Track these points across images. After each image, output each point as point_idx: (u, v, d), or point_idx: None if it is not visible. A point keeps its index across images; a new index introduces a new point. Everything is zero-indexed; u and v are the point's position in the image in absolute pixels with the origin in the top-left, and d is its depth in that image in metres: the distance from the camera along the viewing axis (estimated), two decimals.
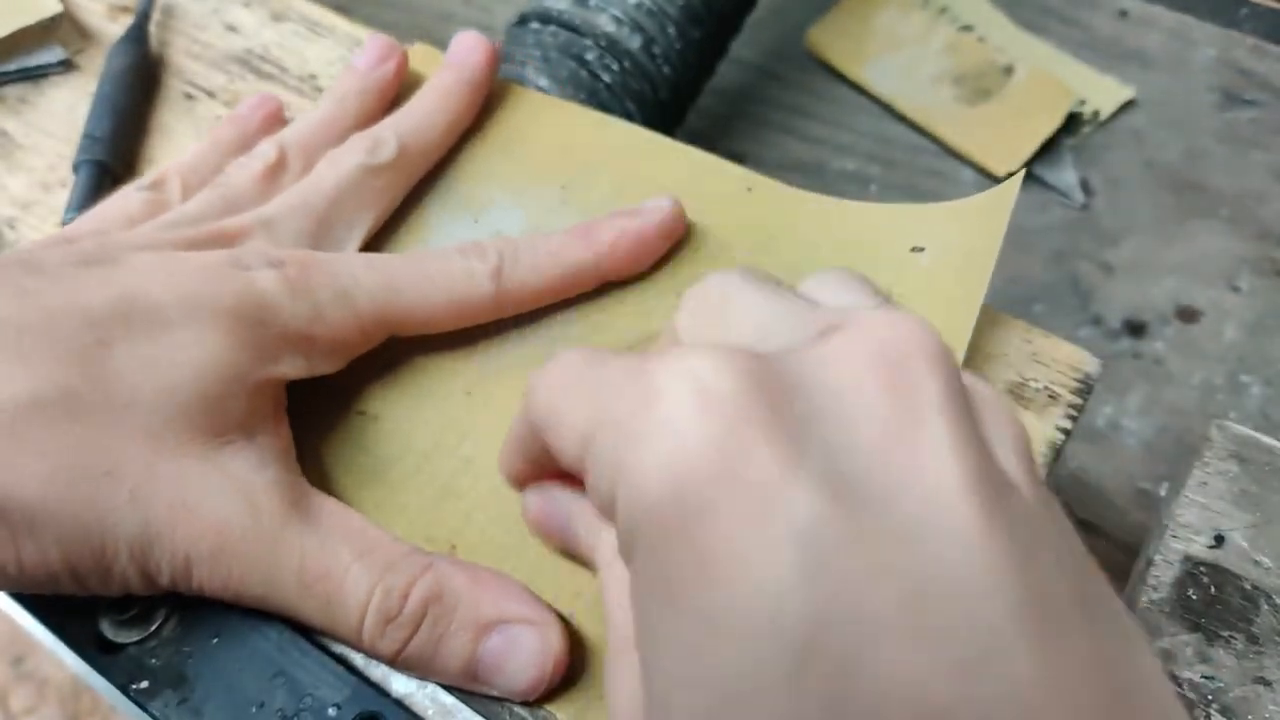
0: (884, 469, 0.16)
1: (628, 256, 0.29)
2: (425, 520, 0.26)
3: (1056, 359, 0.29)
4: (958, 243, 0.29)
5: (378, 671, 0.24)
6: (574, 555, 0.25)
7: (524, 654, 0.23)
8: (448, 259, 0.28)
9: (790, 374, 0.17)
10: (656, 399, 0.16)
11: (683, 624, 0.16)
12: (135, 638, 0.24)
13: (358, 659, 0.24)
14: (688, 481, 0.16)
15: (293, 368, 0.26)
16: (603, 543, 0.22)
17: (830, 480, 0.15)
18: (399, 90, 0.34)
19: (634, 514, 0.17)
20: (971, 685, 0.14)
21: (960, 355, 0.27)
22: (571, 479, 0.23)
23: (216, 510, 0.23)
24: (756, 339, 0.19)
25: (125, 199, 0.29)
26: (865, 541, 0.15)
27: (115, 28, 0.39)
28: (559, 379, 0.20)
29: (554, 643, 0.23)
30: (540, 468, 0.23)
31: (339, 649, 0.25)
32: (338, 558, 0.23)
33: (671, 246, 0.30)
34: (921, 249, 0.29)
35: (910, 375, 0.16)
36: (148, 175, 0.31)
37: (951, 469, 0.15)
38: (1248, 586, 0.26)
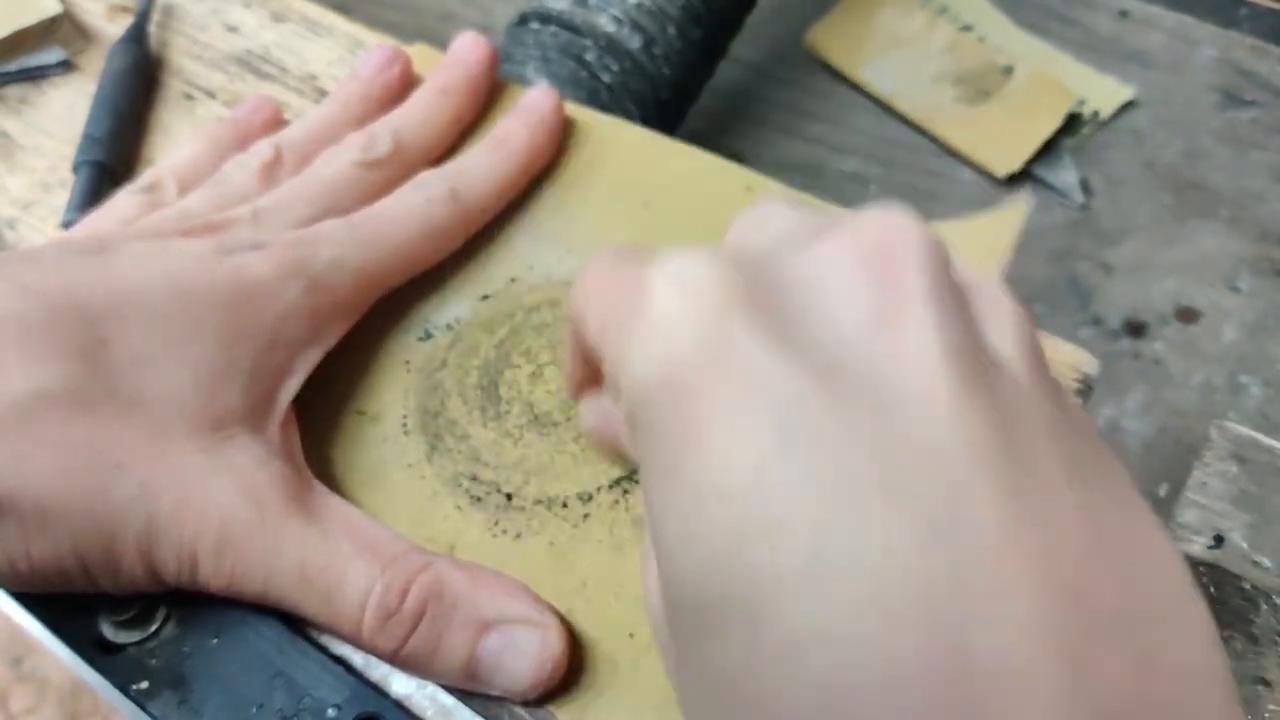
0: (865, 350, 0.16)
1: (545, 146, 0.33)
2: (425, 521, 0.26)
3: (1056, 359, 0.29)
4: (964, 258, 0.29)
5: (377, 672, 0.24)
6: (630, 461, 0.26)
7: (523, 653, 0.23)
8: (404, 197, 0.30)
9: (779, 271, 0.18)
10: (649, 296, 0.18)
11: (677, 494, 0.17)
12: (135, 638, 0.24)
13: (357, 660, 0.24)
14: (677, 369, 0.17)
15: (296, 344, 0.26)
16: None
17: (811, 360, 0.16)
18: (403, 96, 0.34)
19: (634, 403, 0.18)
20: (941, 539, 0.14)
21: None
22: None
23: (220, 504, 0.23)
24: (767, 246, 0.19)
25: (120, 202, 0.30)
26: (843, 412, 0.16)
27: (115, 28, 0.39)
28: (589, 279, 0.21)
29: (554, 642, 0.23)
30: (591, 369, 0.24)
31: (339, 650, 0.25)
32: (339, 553, 0.23)
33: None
34: None
35: (895, 266, 0.17)
36: (142, 177, 0.31)
37: (931, 346, 0.16)
38: (1247, 587, 0.26)
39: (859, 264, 0.17)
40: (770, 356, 0.16)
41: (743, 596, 0.15)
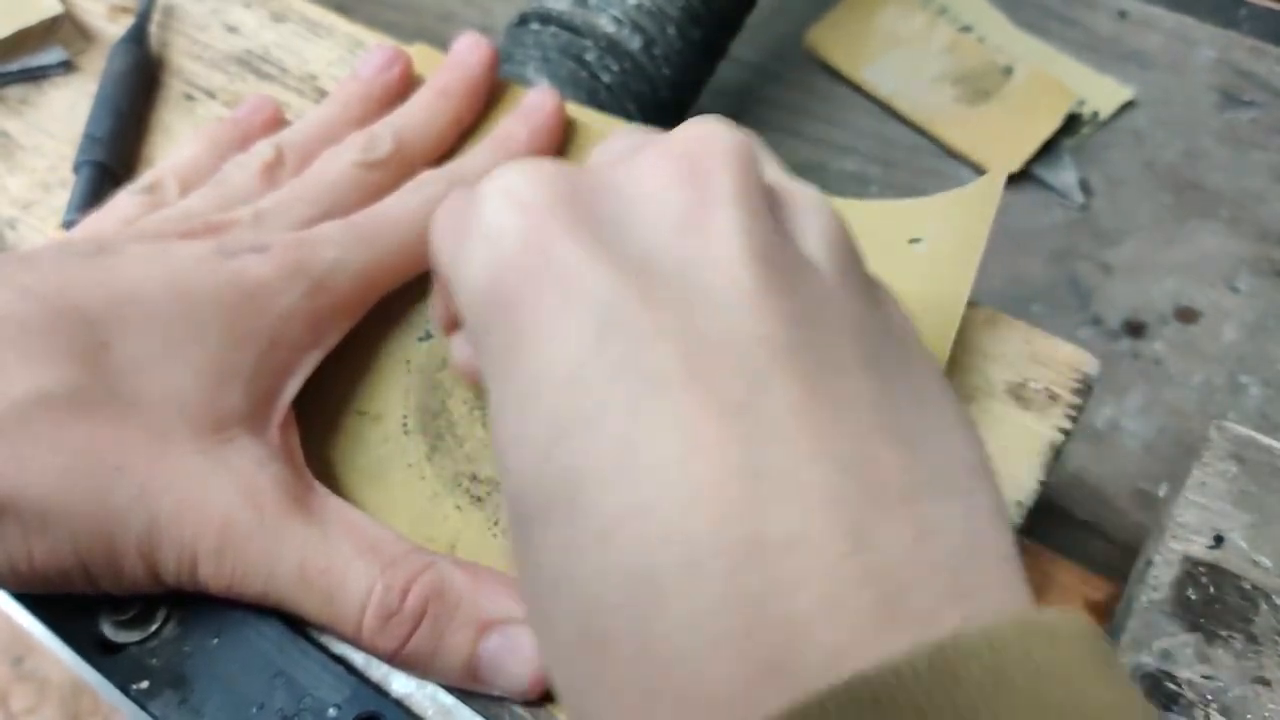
0: (676, 252, 0.17)
1: (546, 148, 0.33)
2: (426, 521, 0.26)
3: (1056, 359, 0.29)
4: (950, 232, 0.29)
5: (378, 672, 0.24)
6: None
7: (525, 653, 0.23)
8: (405, 197, 0.30)
9: (600, 183, 0.19)
10: (477, 209, 0.19)
11: (506, 396, 0.18)
12: (135, 638, 0.24)
13: (358, 659, 0.24)
14: (504, 276, 0.18)
15: (297, 346, 0.26)
16: None
17: (627, 263, 0.17)
18: (404, 96, 0.34)
19: (469, 313, 0.19)
20: (737, 422, 0.15)
21: (951, 337, 0.27)
22: None
23: (220, 506, 0.23)
24: (598, 162, 0.21)
25: (121, 203, 0.30)
26: (654, 309, 0.17)
27: (115, 28, 0.39)
28: (440, 208, 0.22)
29: None
30: (453, 303, 0.25)
31: (339, 649, 0.25)
32: (340, 553, 0.23)
33: None
34: (918, 240, 0.30)
35: (704, 173, 0.18)
36: (142, 177, 0.31)
37: (735, 245, 0.17)
38: (1247, 586, 0.26)
39: (670, 171, 0.18)
40: (589, 260, 0.17)
41: (563, 485, 0.16)
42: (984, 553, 0.16)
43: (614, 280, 0.17)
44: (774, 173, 0.20)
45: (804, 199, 0.19)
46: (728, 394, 0.16)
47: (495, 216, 0.18)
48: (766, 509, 0.15)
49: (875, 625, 0.14)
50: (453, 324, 0.26)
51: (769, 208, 0.18)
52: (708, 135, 0.19)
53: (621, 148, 0.21)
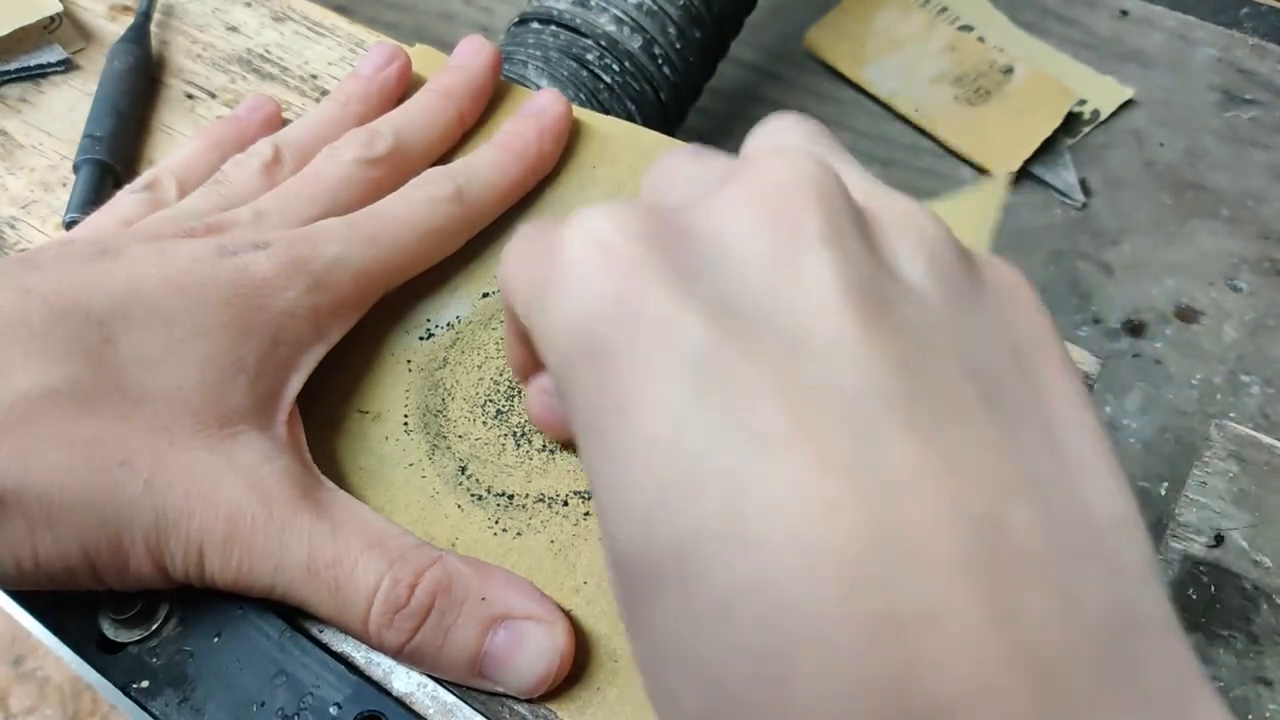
0: (769, 297, 0.16)
1: (552, 151, 0.33)
2: (426, 520, 0.26)
3: None
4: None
5: (379, 670, 0.24)
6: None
7: (531, 650, 0.23)
8: (406, 195, 0.30)
9: (685, 223, 0.18)
10: (561, 257, 0.18)
11: (604, 458, 0.17)
12: (136, 637, 0.24)
13: (359, 658, 0.24)
14: (592, 328, 0.17)
15: (300, 342, 0.26)
16: None
17: (718, 312, 0.16)
18: (402, 94, 0.34)
19: (556, 366, 0.18)
20: (853, 484, 0.14)
21: None
22: None
23: (227, 500, 0.23)
24: (682, 199, 0.19)
25: (121, 202, 0.30)
26: (752, 360, 0.15)
27: (115, 28, 0.39)
28: (513, 249, 0.21)
29: (561, 640, 0.23)
30: (530, 349, 0.24)
31: (341, 648, 0.25)
32: (347, 547, 0.23)
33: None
34: None
35: (792, 211, 0.17)
36: (142, 177, 0.31)
37: (829, 288, 0.16)
38: (1248, 586, 0.26)
39: (756, 210, 0.17)
40: (680, 309, 0.16)
41: (672, 556, 0.15)
42: (1138, 622, 0.14)
43: (709, 331, 0.16)
44: (862, 187, 0.18)
45: (898, 215, 0.18)
46: (840, 452, 0.14)
47: (581, 265, 0.17)
48: (897, 579, 0.14)
49: (1031, 712, 0.13)
50: (528, 369, 0.25)
51: (862, 237, 0.17)
52: (791, 171, 0.17)
53: (685, 178, 0.20)
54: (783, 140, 0.20)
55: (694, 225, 0.18)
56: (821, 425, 0.15)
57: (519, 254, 0.21)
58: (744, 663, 0.14)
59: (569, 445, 0.28)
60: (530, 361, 0.25)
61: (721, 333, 0.16)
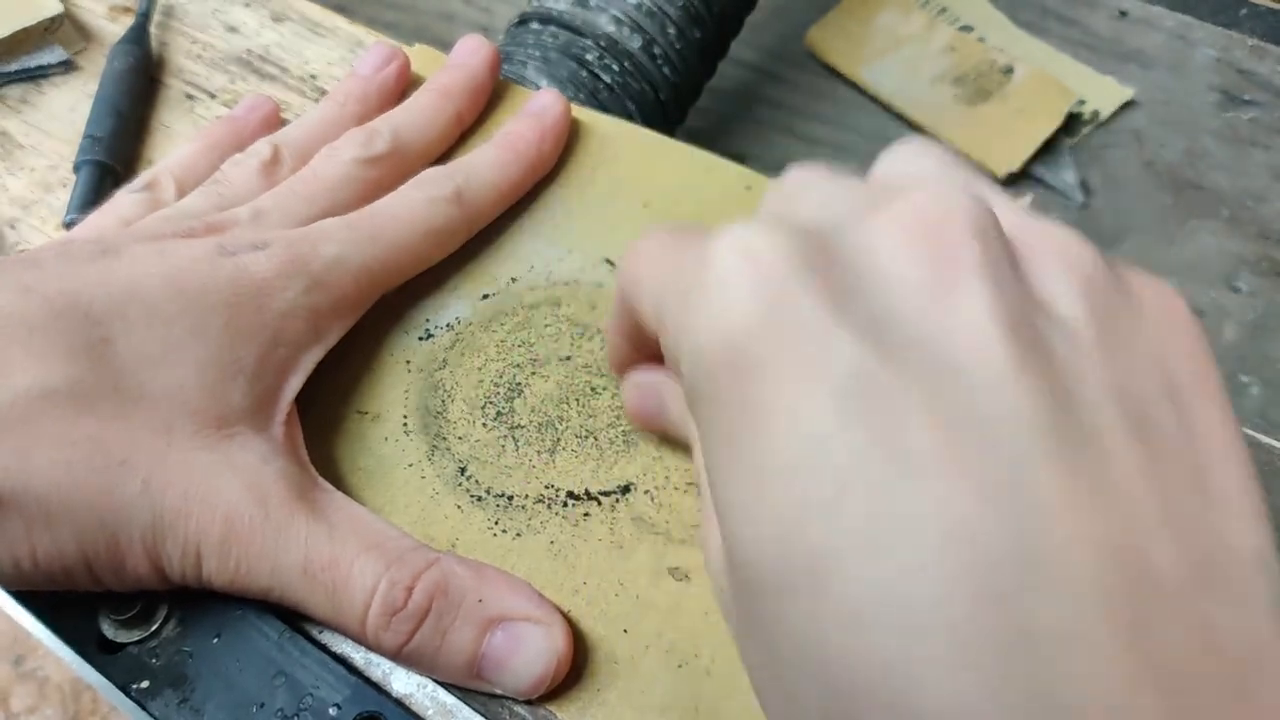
0: (921, 323, 0.16)
1: (552, 151, 0.33)
2: (426, 521, 0.26)
3: None
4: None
5: (378, 671, 0.24)
6: (672, 437, 0.27)
7: (529, 651, 0.23)
8: (406, 195, 0.30)
9: (836, 245, 0.18)
10: (711, 266, 0.18)
11: (740, 470, 0.17)
12: (136, 637, 0.24)
13: (358, 659, 0.24)
14: (738, 339, 0.17)
15: (299, 343, 0.26)
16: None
17: (870, 334, 0.16)
18: (400, 94, 0.34)
19: (694, 373, 0.18)
20: (999, 507, 0.14)
21: None
22: (664, 365, 0.24)
23: (225, 500, 0.23)
24: (818, 217, 0.19)
25: (120, 202, 0.30)
26: (901, 384, 0.16)
27: (116, 28, 0.39)
28: (642, 251, 0.21)
29: (559, 641, 0.23)
30: (635, 346, 0.25)
31: (340, 649, 0.25)
32: (344, 549, 0.23)
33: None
34: None
35: (947, 245, 0.17)
36: (140, 177, 0.31)
37: (983, 319, 0.16)
38: None
39: (914, 241, 0.17)
40: (831, 328, 0.16)
41: (806, 568, 0.15)
42: (1267, 655, 0.15)
43: (860, 351, 0.16)
44: (1012, 218, 0.18)
45: (1050, 245, 0.18)
46: (988, 476, 0.15)
47: (731, 275, 0.17)
48: (1035, 599, 0.14)
49: None
50: (627, 364, 0.26)
51: (1015, 269, 0.17)
52: (947, 205, 0.18)
53: (820, 197, 0.20)
54: (924, 167, 0.21)
55: (845, 245, 0.18)
56: (968, 449, 0.15)
57: (649, 255, 0.21)
58: (872, 671, 0.15)
59: (569, 446, 0.28)
60: (631, 356, 0.25)
61: (872, 354, 0.16)
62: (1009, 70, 0.64)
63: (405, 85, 0.35)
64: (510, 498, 0.27)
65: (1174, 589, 0.14)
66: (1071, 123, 0.61)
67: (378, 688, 0.24)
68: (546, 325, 0.30)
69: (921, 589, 0.14)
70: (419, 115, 0.33)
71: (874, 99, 0.63)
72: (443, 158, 0.33)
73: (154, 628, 0.24)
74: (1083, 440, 0.15)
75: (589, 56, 0.44)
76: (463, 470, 0.27)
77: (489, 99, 0.35)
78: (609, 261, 0.31)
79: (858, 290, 0.17)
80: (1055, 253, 0.18)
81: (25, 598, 0.24)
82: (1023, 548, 0.14)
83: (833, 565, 0.15)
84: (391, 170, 0.31)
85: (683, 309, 0.19)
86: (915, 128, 0.62)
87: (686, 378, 0.19)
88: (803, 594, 0.15)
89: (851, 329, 0.16)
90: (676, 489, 0.27)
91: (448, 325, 0.30)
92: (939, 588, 0.14)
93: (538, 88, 0.40)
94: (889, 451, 0.15)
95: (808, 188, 0.21)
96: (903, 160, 0.21)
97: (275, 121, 0.34)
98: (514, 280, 0.31)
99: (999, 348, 0.16)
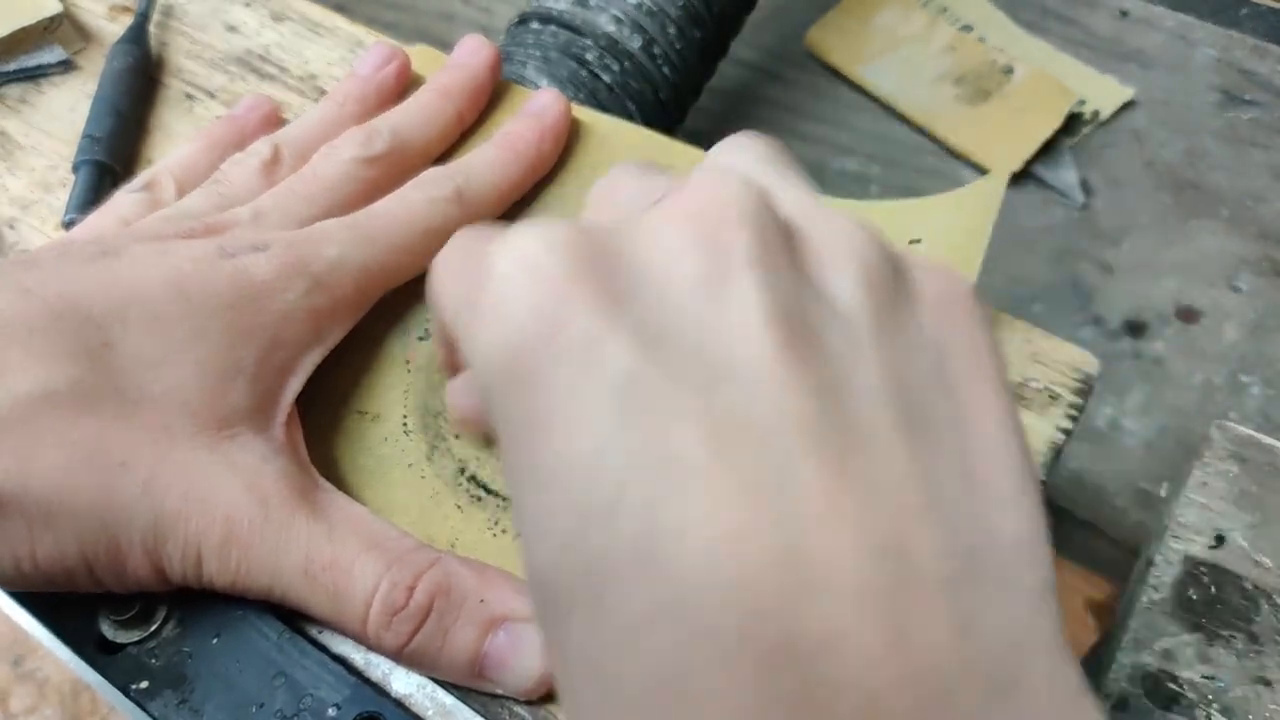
0: (695, 319, 0.16)
1: (552, 151, 0.33)
2: (426, 521, 0.26)
3: (1057, 359, 0.29)
4: (951, 232, 0.29)
5: (378, 671, 0.24)
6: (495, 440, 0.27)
7: (530, 651, 0.23)
8: (406, 196, 0.30)
9: (615, 243, 0.17)
10: (490, 276, 0.17)
11: (525, 480, 0.17)
12: (135, 638, 0.24)
13: (358, 659, 0.24)
14: (519, 350, 0.17)
15: (299, 344, 0.26)
16: None
17: (645, 336, 0.16)
18: (400, 94, 0.34)
19: (485, 383, 0.18)
20: (765, 511, 0.14)
21: None
22: None
23: (225, 501, 0.23)
24: (614, 216, 0.19)
25: (119, 202, 0.30)
26: (675, 385, 0.15)
27: (115, 28, 0.39)
28: (441, 259, 0.21)
29: None
30: (452, 350, 0.24)
31: (340, 649, 0.25)
32: (345, 549, 0.23)
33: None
34: (919, 240, 0.30)
35: (720, 235, 0.17)
36: (139, 177, 0.31)
37: (754, 315, 0.16)
38: (1248, 586, 0.26)
39: (683, 231, 0.17)
40: (605, 333, 0.16)
41: (586, 578, 0.15)
42: (1027, 643, 0.15)
43: (634, 356, 0.16)
44: (797, 207, 0.18)
45: (830, 233, 0.18)
46: (754, 478, 0.15)
47: (509, 287, 0.17)
48: (801, 604, 0.14)
49: None
50: (452, 368, 0.25)
51: (790, 258, 0.17)
52: (720, 191, 0.17)
53: (626, 194, 0.20)
54: (731, 160, 0.20)
55: (624, 246, 0.17)
56: (736, 453, 0.15)
57: (448, 264, 0.20)
58: (648, 686, 0.14)
59: None
60: (452, 359, 0.25)
61: (646, 358, 0.16)
62: (1009, 70, 0.64)
63: (405, 85, 0.35)
64: (510, 498, 0.27)
65: (936, 583, 0.14)
66: (1072, 123, 0.61)
67: (377, 688, 0.24)
68: None
69: (690, 600, 0.14)
70: (419, 115, 0.32)
71: (874, 99, 0.63)
72: (443, 158, 0.33)
73: (153, 628, 0.24)
74: (848, 437, 0.15)
75: (589, 56, 0.43)
76: (462, 470, 0.27)
77: (490, 99, 0.35)
78: None
79: (635, 290, 0.17)
80: (835, 241, 0.18)
81: (25, 599, 0.24)
82: (788, 553, 0.14)
83: (610, 577, 0.15)
84: (391, 170, 0.31)
85: (470, 321, 0.18)
86: (915, 128, 0.62)
87: (480, 389, 0.18)
88: (584, 607, 0.15)
89: (626, 332, 0.16)
90: None
91: None
92: (707, 598, 0.14)
93: (538, 87, 0.40)
94: (660, 457, 0.15)
95: (615, 186, 0.21)
96: (717, 154, 0.21)
97: (275, 121, 0.34)
98: None
99: (768, 344, 0.16)
